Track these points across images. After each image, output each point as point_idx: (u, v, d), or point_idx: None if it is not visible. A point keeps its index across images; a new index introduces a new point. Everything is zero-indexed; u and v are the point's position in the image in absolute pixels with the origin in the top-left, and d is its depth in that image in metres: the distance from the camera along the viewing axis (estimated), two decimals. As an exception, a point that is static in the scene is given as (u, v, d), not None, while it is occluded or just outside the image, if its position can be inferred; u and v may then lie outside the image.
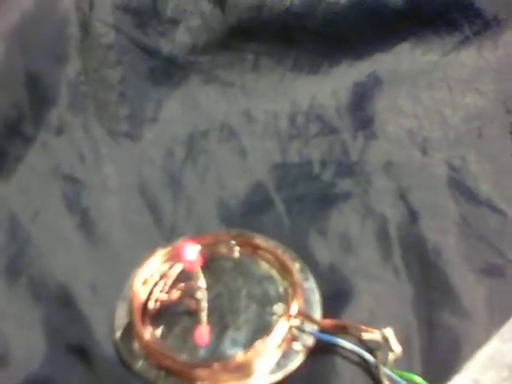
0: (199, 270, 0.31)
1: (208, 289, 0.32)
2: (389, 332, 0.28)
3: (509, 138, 0.43)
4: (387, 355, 0.28)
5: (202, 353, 0.29)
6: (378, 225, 0.36)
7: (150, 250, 0.34)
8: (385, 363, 0.28)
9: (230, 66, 0.43)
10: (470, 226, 0.36)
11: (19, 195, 0.37)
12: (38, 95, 0.39)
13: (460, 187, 0.38)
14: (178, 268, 0.33)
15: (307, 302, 0.31)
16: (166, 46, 0.42)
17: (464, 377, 0.26)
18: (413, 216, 0.36)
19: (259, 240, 0.34)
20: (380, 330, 0.28)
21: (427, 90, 0.43)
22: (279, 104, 0.42)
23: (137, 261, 0.33)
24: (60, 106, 0.40)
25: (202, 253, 0.32)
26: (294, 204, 0.38)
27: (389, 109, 0.43)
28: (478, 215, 0.37)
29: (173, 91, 0.42)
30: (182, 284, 0.32)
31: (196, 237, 0.34)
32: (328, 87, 0.43)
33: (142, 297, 0.32)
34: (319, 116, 0.43)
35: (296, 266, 0.33)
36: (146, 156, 0.40)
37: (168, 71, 0.42)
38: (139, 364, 0.29)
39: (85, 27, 0.40)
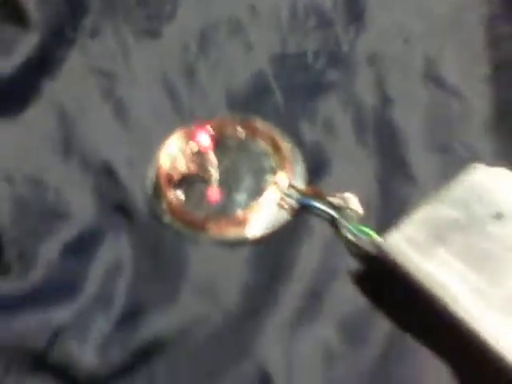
0: (210, 149, 0.39)
1: (217, 162, 0.40)
2: (352, 196, 0.36)
3: (486, 28, 0.47)
4: (351, 215, 0.36)
5: (212, 211, 0.38)
6: (356, 110, 0.42)
7: (171, 131, 0.41)
8: (348, 220, 0.36)
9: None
10: (435, 110, 0.42)
11: (65, 89, 0.43)
12: (76, 3, 0.45)
13: (432, 75, 0.43)
14: (194, 146, 0.40)
15: (294, 173, 0.39)
16: None
17: (399, 233, 0.34)
18: (387, 102, 0.42)
19: (259, 123, 0.41)
20: (346, 194, 0.36)
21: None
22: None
23: (162, 140, 0.41)
24: (93, 12, 0.45)
25: (212, 134, 0.39)
26: (290, 92, 0.43)
27: (379, 1, 0.47)
28: (444, 101, 0.42)
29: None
30: (198, 158, 0.40)
31: (208, 120, 0.41)
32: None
33: (166, 167, 0.39)
34: (317, 8, 0.47)
35: (287, 145, 0.40)
36: (165, 50, 0.45)
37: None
38: (167, 218, 0.38)
39: None
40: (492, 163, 0.38)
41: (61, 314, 0.35)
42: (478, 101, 0.44)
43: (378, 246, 0.34)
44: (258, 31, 0.47)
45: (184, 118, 0.43)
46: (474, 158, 0.40)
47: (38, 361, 0.35)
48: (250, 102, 0.43)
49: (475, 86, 0.44)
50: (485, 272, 0.32)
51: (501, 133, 0.42)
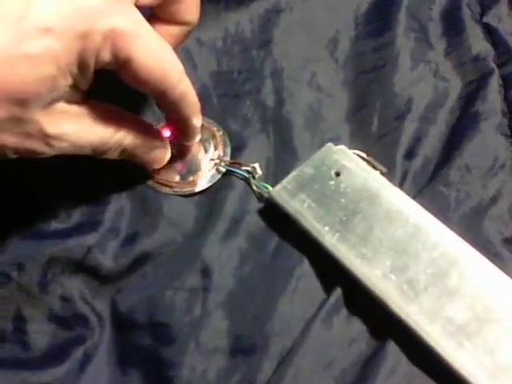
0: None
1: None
2: (257, 165, 0.51)
3: (353, 45, 0.59)
4: (256, 176, 0.51)
5: (178, 178, 0.52)
6: (262, 110, 0.55)
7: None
8: (254, 179, 0.51)
9: None
10: (313, 106, 0.55)
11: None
12: None
13: (313, 82, 0.57)
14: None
15: (224, 152, 0.53)
16: None
17: (281, 185, 0.49)
18: (281, 103, 0.55)
19: (203, 120, 0.50)
20: (254, 164, 0.51)
21: None
22: None
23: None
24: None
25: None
26: (222, 98, 0.56)
27: (282, 32, 0.59)
28: (319, 99, 0.56)
29: None
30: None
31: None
32: None
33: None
34: (240, 39, 0.58)
35: (220, 134, 0.54)
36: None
37: None
38: (150, 182, 0.51)
39: None
40: (347, 143, 0.52)
41: (90, 239, 0.48)
42: (341, 98, 0.56)
43: (270, 194, 0.50)
44: (201, 56, 0.58)
45: (158, 119, 0.54)
46: (337, 138, 0.54)
47: (76, 267, 0.47)
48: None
49: (340, 88, 0.57)
50: (331, 211, 0.48)
51: (355, 122, 0.56)
